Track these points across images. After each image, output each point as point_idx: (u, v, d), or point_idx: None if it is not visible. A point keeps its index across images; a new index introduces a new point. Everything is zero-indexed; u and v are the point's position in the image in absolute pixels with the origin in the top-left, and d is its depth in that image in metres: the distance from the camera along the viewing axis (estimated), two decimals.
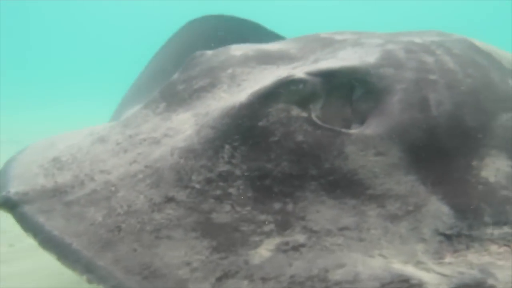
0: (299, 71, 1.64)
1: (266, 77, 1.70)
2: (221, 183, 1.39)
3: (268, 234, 1.29)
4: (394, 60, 1.70)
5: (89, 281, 1.17)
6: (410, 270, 1.21)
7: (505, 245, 1.30)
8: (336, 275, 1.18)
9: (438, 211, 1.37)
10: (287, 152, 1.45)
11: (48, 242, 1.27)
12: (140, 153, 1.57)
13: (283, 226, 1.32)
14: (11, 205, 1.39)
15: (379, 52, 1.75)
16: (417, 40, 1.85)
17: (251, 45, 2.02)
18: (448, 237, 1.32)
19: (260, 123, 1.49)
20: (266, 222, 1.32)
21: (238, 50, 1.95)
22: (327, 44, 1.93)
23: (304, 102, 1.54)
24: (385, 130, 1.49)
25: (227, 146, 1.46)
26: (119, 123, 1.85)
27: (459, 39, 1.93)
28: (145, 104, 1.88)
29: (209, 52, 2.00)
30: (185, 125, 1.62)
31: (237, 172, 1.42)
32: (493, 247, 1.30)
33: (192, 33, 4.36)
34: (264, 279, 1.16)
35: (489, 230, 1.34)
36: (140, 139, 1.65)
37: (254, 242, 1.26)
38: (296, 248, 1.26)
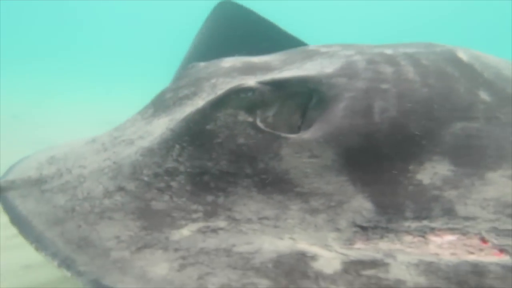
0: (254, 80, 1.80)
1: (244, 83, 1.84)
2: (166, 177, 1.57)
3: (194, 220, 1.44)
4: (351, 70, 1.81)
5: (36, 249, 1.38)
6: (312, 248, 1.29)
7: (420, 236, 1.35)
8: (241, 248, 1.30)
9: (360, 206, 1.45)
10: (227, 153, 1.60)
11: (16, 219, 1.53)
12: (115, 151, 1.79)
13: (209, 214, 1.46)
14: None
15: (341, 63, 1.87)
16: (388, 51, 1.95)
17: (242, 58, 2.19)
18: (364, 229, 1.39)
19: (208, 126, 1.66)
20: (196, 211, 1.48)
21: (227, 62, 2.14)
22: (309, 56, 2.08)
23: (251, 108, 1.69)
24: (323, 134, 1.59)
25: (177, 146, 1.65)
26: (114, 128, 2.10)
27: (440, 52, 1.98)
28: (140, 110, 2.14)
29: (201, 64, 2.22)
30: (158, 129, 1.83)
31: (181, 168, 1.59)
32: (408, 238, 1.35)
33: (218, 16, 4.77)
34: (176, 249, 1.31)
35: (407, 223, 1.39)
36: (120, 140, 1.88)
37: (180, 224, 1.42)
38: (215, 230, 1.39)
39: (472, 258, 1.25)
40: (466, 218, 1.39)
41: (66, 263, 1.30)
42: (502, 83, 1.85)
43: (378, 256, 1.26)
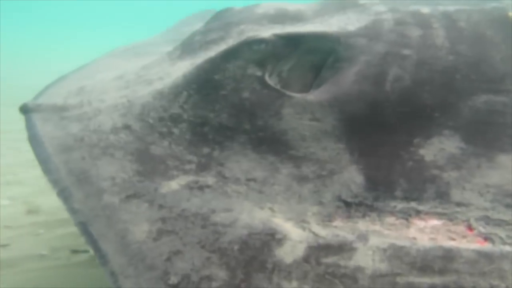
0: (277, 30, 1.73)
1: (259, 34, 1.79)
2: (169, 123, 1.61)
3: (186, 172, 1.46)
4: (374, 30, 1.70)
5: (42, 171, 1.48)
6: (285, 226, 1.28)
7: (403, 218, 1.31)
8: (218, 217, 1.30)
9: (350, 179, 1.41)
10: (229, 106, 1.59)
11: (33, 138, 1.63)
12: (134, 90, 1.84)
13: (202, 167, 1.48)
14: (25, 110, 1.79)
15: (367, 21, 1.76)
16: (425, 10, 1.80)
17: (277, 4, 2.10)
18: (348, 204, 1.36)
19: (216, 76, 1.65)
20: (190, 162, 1.50)
21: (261, 8, 2.06)
22: (343, 8, 1.95)
23: (262, 61, 1.64)
24: (328, 98, 1.53)
25: (184, 92, 1.66)
26: (143, 64, 2.14)
27: (489, 10, 1.80)
28: (170, 50, 2.15)
29: (236, 8, 2.16)
30: (178, 72, 1.82)
31: (184, 116, 1.61)
32: (390, 219, 1.31)
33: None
34: (160, 206, 1.34)
35: (393, 204, 1.35)
36: (143, 79, 1.91)
37: (172, 175, 1.44)
38: (202, 188, 1.41)
39: (449, 244, 1.21)
40: (459, 204, 1.32)
41: (64, 194, 1.39)
42: None
43: (350, 238, 1.24)
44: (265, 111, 1.56)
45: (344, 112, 1.51)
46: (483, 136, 1.45)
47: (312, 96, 1.55)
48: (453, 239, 1.23)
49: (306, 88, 1.63)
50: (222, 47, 1.85)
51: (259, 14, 2.01)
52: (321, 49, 1.67)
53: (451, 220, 1.29)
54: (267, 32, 1.74)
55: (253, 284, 1.12)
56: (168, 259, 1.19)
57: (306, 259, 1.18)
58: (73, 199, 1.38)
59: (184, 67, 1.86)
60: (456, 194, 1.35)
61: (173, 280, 1.14)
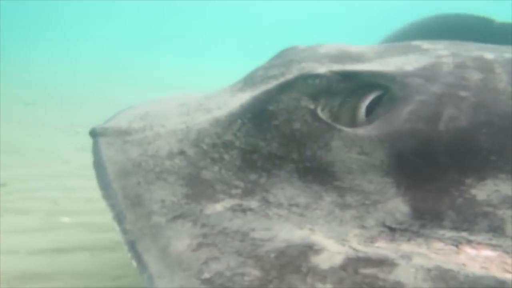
0: (327, 68, 1.76)
1: (316, 69, 1.82)
2: (221, 149, 1.66)
3: (232, 196, 1.50)
4: (432, 72, 1.69)
5: (103, 196, 1.56)
6: (325, 242, 1.28)
7: (453, 244, 1.27)
8: (257, 234, 1.34)
9: (395, 208, 1.38)
10: (280, 136, 1.63)
11: (97, 163, 1.74)
12: (193, 117, 1.91)
13: (247, 193, 1.52)
14: (93, 134, 1.93)
15: (426, 62, 1.75)
16: (489, 56, 1.77)
17: (340, 46, 2.13)
18: (392, 230, 1.33)
19: (271, 107, 1.69)
20: (237, 187, 1.54)
21: (324, 48, 2.09)
22: (406, 51, 1.95)
23: (316, 95, 1.67)
24: (378, 133, 1.53)
25: (239, 121, 1.72)
26: (206, 94, 2.23)
27: None
28: (235, 82, 2.23)
29: (300, 47, 2.20)
30: (236, 102, 1.88)
31: (237, 143, 1.66)
32: (438, 245, 1.27)
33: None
34: (203, 225, 1.39)
35: (442, 232, 1.31)
36: (203, 108, 1.98)
37: (218, 198, 1.49)
38: (245, 210, 1.44)
39: (504, 276, 1.12)
40: None
41: (119, 217, 1.47)
42: None
43: (392, 256, 1.20)
44: (315, 142, 1.59)
45: (393, 148, 1.50)
46: None
47: (363, 130, 1.56)
48: (508, 272, 1.14)
49: (355, 124, 1.64)
50: (281, 81, 1.91)
51: (321, 54, 2.05)
52: (375, 87, 1.68)
53: (507, 252, 1.21)
54: (323, 68, 1.78)
55: (286, 281, 1.14)
56: (205, 262, 1.24)
57: (343, 267, 1.17)
58: (126, 221, 1.46)
59: (243, 98, 1.93)
60: (511, 229, 1.27)
61: (206, 276, 1.19)
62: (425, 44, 2.00)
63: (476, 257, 1.20)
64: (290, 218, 1.41)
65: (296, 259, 1.21)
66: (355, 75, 1.71)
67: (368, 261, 1.18)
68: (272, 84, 1.93)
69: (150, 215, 1.46)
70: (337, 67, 1.84)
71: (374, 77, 1.69)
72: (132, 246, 1.37)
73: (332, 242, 1.28)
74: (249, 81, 2.11)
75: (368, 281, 1.11)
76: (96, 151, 1.85)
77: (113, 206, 1.53)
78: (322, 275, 1.14)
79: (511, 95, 1.57)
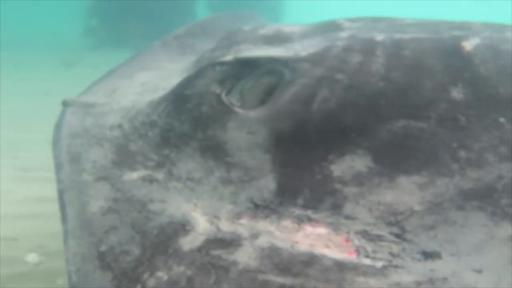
0: (234, 55, 2.02)
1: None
2: (147, 127, 1.98)
3: (146, 167, 1.81)
4: (321, 56, 1.86)
5: (52, 150, 1.93)
6: (199, 219, 1.56)
7: (296, 222, 1.50)
8: (153, 206, 1.63)
9: (264, 186, 1.63)
10: (191, 117, 1.90)
11: (57, 125, 2.11)
12: (142, 97, 2.26)
13: (159, 165, 1.82)
14: (64, 104, 2.31)
15: (321, 47, 1.93)
16: (379, 37, 1.90)
17: (279, 26, 2.34)
18: (256, 206, 1.59)
19: (186, 91, 1.97)
20: (152, 160, 1.85)
21: (265, 29, 2.32)
22: (326, 30, 2.13)
23: (222, 81, 1.93)
24: (264, 115, 1.75)
25: (164, 103, 2.02)
26: (166, 74, 2.56)
27: (444, 39, 1.85)
28: (188, 63, 2.55)
29: (246, 28, 2.45)
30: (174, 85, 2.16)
31: (159, 122, 1.97)
32: (285, 222, 1.51)
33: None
34: (117, 190, 1.69)
35: (293, 209, 1.54)
36: (156, 88, 2.33)
37: (135, 168, 1.80)
38: (152, 181, 1.75)
39: (321, 251, 1.39)
40: (347, 217, 1.49)
41: (58, 167, 1.83)
42: (500, 81, 1.65)
43: (244, 235, 1.47)
44: (216, 123, 1.84)
45: (274, 127, 1.72)
46: (393, 158, 1.56)
47: (253, 113, 1.79)
48: (327, 247, 1.42)
49: (249, 102, 1.87)
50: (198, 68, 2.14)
51: (259, 35, 2.26)
52: (274, 71, 1.90)
53: (335, 230, 1.47)
54: (230, 56, 2.02)
55: (153, 263, 1.40)
56: (106, 231, 1.54)
57: (199, 249, 1.44)
58: (62, 171, 1.81)
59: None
60: (348, 208, 1.50)
61: (103, 248, 1.48)
62: (346, 23, 2.17)
63: (310, 234, 1.47)
64: (183, 191, 1.70)
65: (168, 239, 1.48)
66: (255, 61, 1.95)
67: (221, 242, 1.45)
68: None
69: (82, 172, 1.80)
70: (264, 49, 2.06)
71: (271, 63, 1.92)
72: (61, 195, 1.69)
73: (205, 220, 1.56)
74: (198, 63, 2.36)
75: (213, 262, 1.37)
76: (60, 117, 2.23)
77: (56, 157, 1.90)
78: (181, 257, 1.41)
79: (381, 76, 1.73)
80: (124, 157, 1.90)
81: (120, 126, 2.07)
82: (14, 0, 22.23)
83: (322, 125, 1.68)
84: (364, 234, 1.43)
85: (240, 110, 1.83)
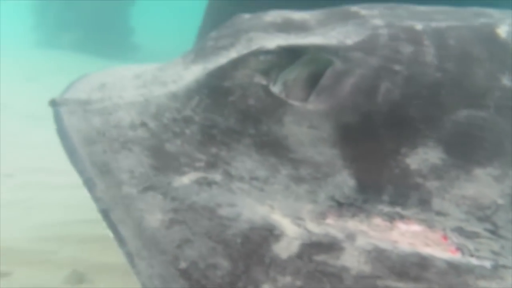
0: (276, 43, 1.86)
1: (266, 45, 1.93)
2: (181, 123, 1.77)
3: (196, 169, 1.63)
4: (370, 45, 1.80)
5: (70, 162, 1.67)
6: (283, 222, 1.44)
7: (388, 220, 1.45)
8: (223, 211, 1.47)
9: (342, 182, 1.55)
10: (237, 111, 1.74)
11: (61, 131, 1.82)
12: (150, 89, 2.00)
13: (210, 165, 1.64)
14: (54, 104, 1.98)
15: (364, 35, 1.86)
16: (418, 26, 1.89)
17: (284, 13, 2.20)
18: (340, 204, 1.50)
19: (226, 83, 1.80)
20: (200, 160, 1.66)
21: (269, 16, 2.17)
22: (345, 19, 2.04)
23: (267, 71, 1.78)
24: (325, 107, 1.67)
25: (197, 97, 1.82)
26: (161, 66, 2.28)
27: (477, 27, 1.88)
28: (184, 53, 2.29)
29: (246, 16, 2.26)
30: (191, 75, 1.98)
31: (196, 118, 1.77)
32: (376, 220, 1.45)
33: None
34: (173, 198, 1.50)
35: (381, 207, 1.48)
36: (158, 80, 2.07)
37: (183, 171, 1.61)
38: (210, 184, 1.57)
39: (425, 250, 1.36)
40: (438, 213, 1.47)
41: (89, 184, 1.57)
42: None
43: (340, 236, 1.39)
44: (269, 117, 1.71)
45: (339, 121, 1.65)
46: (463, 148, 1.58)
47: (312, 105, 1.69)
48: (429, 246, 1.38)
49: (306, 97, 1.76)
50: (232, 53, 1.99)
51: (267, 22, 2.12)
52: (321, 60, 1.80)
53: (430, 227, 1.44)
54: (272, 42, 1.88)
55: (252, 276, 1.28)
56: (179, 246, 1.36)
57: (299, 255, 1.33)
58: (96, 188, 1.56)
59: (196, 71, 2.00)
60: (436, 203, 1.49)
61: (183, 265, 1.31)
62: (362, 10, 2.11)
63: (405, 232, 1.43)
64: (252, 192, 1.56)
65: (259, 247, 1.35)
66: (303, 49, 1.83)
67: (320, 246, 1.35)
68: (223, 56, 2.01)
69: (120, 185, 1.57)
70: (283, 39, 1.94)
71: (319, 51, 1.81)
72: (106, 214, 1.47)
73: (289, 222, 1.45)
74: (200, 52, 2.16)
75: (320, 269, 1.28)
76: (58, 119, 1.92)
77: (81, 172, 1.63)
78: (282, 266, 1.29)
79: (436, 67, 1.73)
80: (165, 160, 1.68)
81: (143, 124, 1.82)
82: None
83: (389, 117, 1.63)
84: (460, 231, 1.43)
85: (296, 103, 1.72)
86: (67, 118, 1.90)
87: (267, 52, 1.81)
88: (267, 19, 2.14)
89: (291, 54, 1.81)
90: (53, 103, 2.02)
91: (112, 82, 2.24)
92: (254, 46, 1.95)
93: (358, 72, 1.72)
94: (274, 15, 2.17)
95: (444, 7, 2.22)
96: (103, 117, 1.89)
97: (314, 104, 1.69)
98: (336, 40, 1.85)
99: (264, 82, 1.77)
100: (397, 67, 1.72)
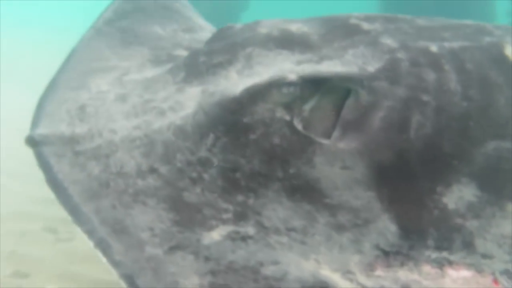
0: (295, 72, 1.70)
1: (274, 66, 1.78)
2: (198, 167, 1.58)
3: (225, 221, 1.47)
4: (393, 73, 1.71)
5: (73, 222, 1.43)
6: (334, 278, 1.35)
7: (437, 267, 1.42)
8: (268, 270, 1.34)
9: (385, 228, 1.49)
10: (261, 152, 1.59)
11: (52, 182, 1.55)
12: (146, 120, 1.77)
13: (239, 216, 1.49)
14: (33, 144, 1.68)
15: (383, 61, 1.75)
16: (433, 48, 1.81)
17: (279, 23, 2.03)
18: (386, 253, 1.45)
19: (245, 119, 1.63)
20: (226, 211, 1.50)
21: (264, 28, 1.99)
22: (350, 35, 1.92)
23: (290, 105, 1.64)
24: (357, 145, 1.58)
25: (211, 135, 1.63)
26: (143, 83, 2.02)
27: (486, 46, 1.84)
28: (170, 68, 2.05)
29: (237, 26, 2.08)
30: (191, 102, 1.78)
31: (214, 160, 1.59)
32: (426, 268, 1.41)
33: None
34: (206, 259, 1.35)
35: (428, 253, 1.45)
36: (151, 106, 1.84)
37: (211, 225, 1.45)
38: (244, 238, 1.43)
39: None
40: (484, 256, 1.45)
41: (102, 246, 1.36)
42: None
43: None
44: (297, 158, 1.59)
45: (372, 159, 1.57)
46: (494, 183, 1.58)
47: (342, 143, 1.59)
48: None
49: (329, 129, 1.64)
50: (232, 73, 1.83)
51: (264, 36, 1.94)
52: (342, 90, 1.68)
53: (479, 272, 1.42)
54: (280, 64, 1.74)
55: None
56: None
57: None
58: (113, 251, 1.35)
59: (195, 95, 1.81)
60: (480, 245, 1.48)
61: None
62: (363, 24, 1.98)
63: (457, 279, 1.40)
64: (293, 246, 1.44)
65: None
66: (326, 80, 1.69)
67: None
68: (222, 76, 1.84)
69: (142, 246, 1.38)
70: (291, 61, 1.80)
71: (343, 82, 1.69)
72: (131, 281, 1.29)
73: (339, 277, 1.36)
74: (192, 69, 1.95)
75: None
76: (45, 166, 1.64)
77: (90, 232, 1.41)
78: None
79: (462, 95, 1.69)
80: (186, 214, 1.50)
81: (153, 170, 1.60)
82: None
83: (423, 154, 1.59)
84: (509, 273, 1.42)
85: (325, 141, 1.60)
86: (56, 164, 1.63)
87: (290, 84, 1.64)
88: (262, 32, 1.96)
89: (313, 86, 1.67)
90: (31, 142, 1.72)
91: (92, 106, 1.94)
92: (256, 65, 1.80)
93: (386, 105, 1.63)
94: (269, 26, 2.00)
95: (440, 19, 2.16)
96: (100, 162, 1.64)
97: (344, 142, 1.59)
98: (357, 68, 1.73)
99: (287, 117, 1.63)
100: (425, 98, 1.65)
